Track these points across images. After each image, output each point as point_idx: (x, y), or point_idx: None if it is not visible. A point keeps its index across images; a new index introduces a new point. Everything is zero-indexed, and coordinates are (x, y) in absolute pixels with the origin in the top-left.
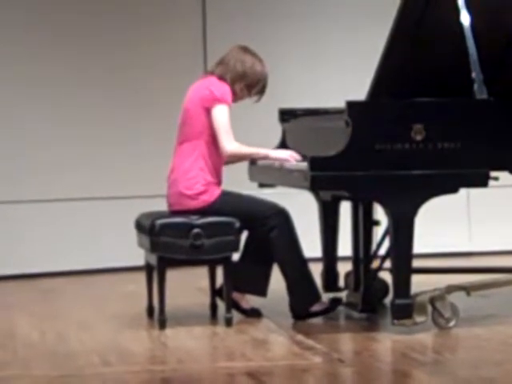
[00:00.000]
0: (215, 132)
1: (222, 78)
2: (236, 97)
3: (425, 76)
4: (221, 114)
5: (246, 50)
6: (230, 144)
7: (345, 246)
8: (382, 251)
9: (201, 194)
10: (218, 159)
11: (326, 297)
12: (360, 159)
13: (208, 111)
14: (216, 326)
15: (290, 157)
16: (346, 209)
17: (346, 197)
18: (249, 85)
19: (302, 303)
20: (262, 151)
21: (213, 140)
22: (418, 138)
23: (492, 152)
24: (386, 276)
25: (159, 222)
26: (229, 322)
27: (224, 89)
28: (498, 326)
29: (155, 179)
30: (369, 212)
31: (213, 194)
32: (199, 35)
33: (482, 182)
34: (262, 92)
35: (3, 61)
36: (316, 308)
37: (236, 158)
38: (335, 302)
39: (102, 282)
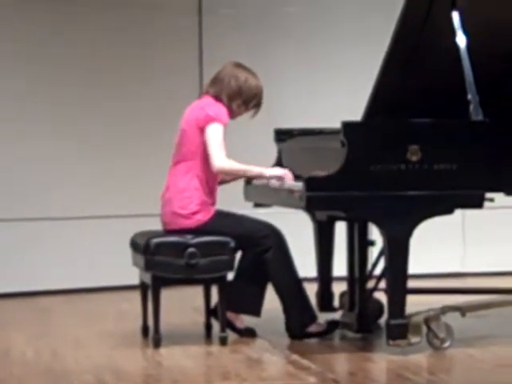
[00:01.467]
0: (207, 148)
1: (217, 97)
2: (234, 114)
3: (421, 97)
4: (213, 132)
5: (238, 65)
6: (219, 159)
7: (340, 266)
8: (377, 271)
9: (195, 213)
10: (213, 179)
11: (321, 317)
12: (355, 180)
13: (203, 131)
14: (211, 345)
15: (284, 175)
16: (341, 229)
17: (342, 217)
18: (245, 100)
19: (299, 324)
20: (256, 169)
21: (207, 160)
22: (414, 158)
23: (488, 173)
24: (381, 296)
25: (154, 241)
26: (223, 342)
27: (219, 109)
28: (493, 347)
29: (150, 198)
30: (364, 232)
31: (207, 214)
32: (195, 54)
33: (478, 203)
34: (258, 106)
35: None
36: (313, 329)
37: (227, 175)
38: (333, 325)
39: (97, 301)
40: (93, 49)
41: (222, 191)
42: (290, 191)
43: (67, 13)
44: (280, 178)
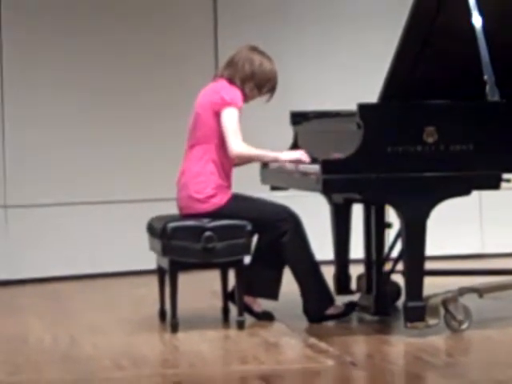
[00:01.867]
0: (223, 134)
1: (231, 80)
2: (247, 97)
3: (437, 78)
4: (229, 117)
5: (253, 49)
6: (237, 145)
7: (357, 248)
8: (395, 254)
9: (211, 197)
10: (228, 162)
11: (338, 300)
12: (372, 162)
13: (218, 115)
14: (228, 329)
15: (299, 158)
16: (358, 211)
17: (358, 199)
18: (258, 84)
19: (317, 307)
20: (272, 154)
21: (222, 143)
22: (430, 140)
23: (504, 154)
24: (399, 278)
25: (171, 225)
26: (241, 326)
27: (234, 92)
28: (511, 328)
29: (166, 182)
30: (381, 215)
31: (223, 198)
32: (210, 37)
33: (494, 184)
34: (272, 90)
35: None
36: (331, 311)
37: (244, 160)
38: (350, 306)
39: (114, 286)
40: (111, 36)
41: (238, 174)
42: (307, 174)
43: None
44: (296, 161)
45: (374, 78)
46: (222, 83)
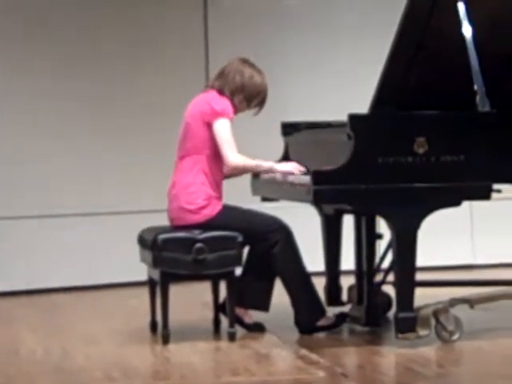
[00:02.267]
0: (218, 145)
1: (221, 91)
2: (236, 109)
3: (427, 88)
4: (222, 128)
5: (244, 61)
6: (233, 156)
7: (348, 259)
8: (385, 265)
9: (202, 208)
10: (219, 173)
11: (329, 311)
12: (363, 172)
13: (208, 126)
14: (219, 340)
15: (294, 169)
16: (348, 222)
17: (349, 210)
18: (248, 97)
19: (308, 318)
20: (267, 164)
21: (213, 154)
22: (421, 151)
23: (495, 164)
24: (390, 289)
25: (162, 236)
26: (232, 337)
27: (224, 103)
28: (502, 339)
29: (157, 194)
30: (372, 225)
31: (214, 209)
32: (201, 47)
33: (485, 194)
34: (261, 104)
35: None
36: (322, 323)
37: (240, 171)
38: (341, 318)
39: (105, 298)
40: (98, 45)
41: (229, 185)
42: (298, 185)
43: (77, 7)
44: (290, 173)
45: (366, 87)
46: (212, 94)
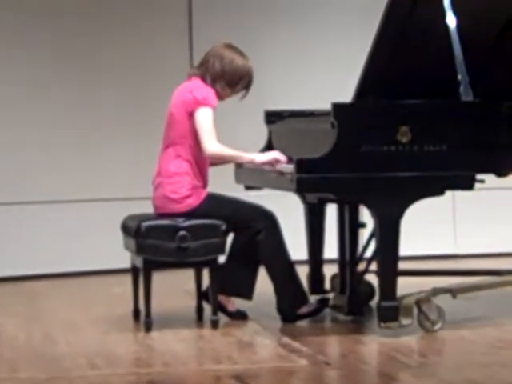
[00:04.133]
0: (197, 133)
1: (203, 78)
2: (220, 96)
3: (411, 77)
4: (203, 116)
5: (227, 46)
6: (211, 145)
7: (331, 248)
8: (368, 254)
9: (186, 197)
10: (204, 162)
11: (312, 299)
12: (346, 161)
13: (191, 115)
14: (202, 328)
15: (275, 159)
16: (332, 211)
17: (332, 199)
18: (229, 82)
19: (290, 306)
20: (247, 155)
21: (197, 143)
22: (404, 139)
23: (478, 154)
24: (372, 278)
25: (145, 224)
26: (215, 325)
27: (207, 91)
28: (484, 329)
29: (141, 181)
30: (355, 214)
31: (198, 198)
32: (185, 35)
33: (468, 184)
34: (247, 88)
35: None
36: (304, 310)
37: (218, 160)
38: (322, 303)
39: (88, 285)
40: (85, 36)
41: (213, 174)
42: (281, 173)
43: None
44: (271, 163)
45: (349, 76)
46: (196, 82)
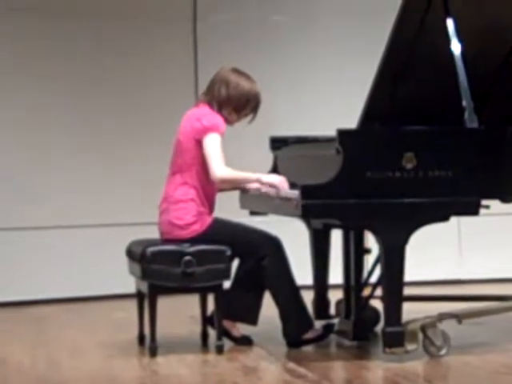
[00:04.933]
0: (206, 159)
1: (210, 105)
2: (227, 121)
3: (416, 104)
4: (211, 142)
5: (231, 70)
6: (220, 169)
7: (336, 273)
8: (373, 279)
9: (191, 224)
10: (211, 188)
11: (317, 324)
12: (351, 187)
13: (199, 142)
14: (207, 353)
15: (280, 183)
16: (337, 237)
17: (337, 225)
18: (236, 108)
19: (296, 331)
20: (253, 175)
21: (204, 170)
22: (409, 166)
23: (483, 180)
24: (377, 304)
25: (150, 249)
26: (220, 350)
27: (214, 118)
28: (490, 354)
29: (147, 207)
30: (360, 240)
31: (204, 224)
32: (190, 62)
33: (473, 210)
34: (254, 111)
35: None
36: (309, 335)
37: (227, 184)
38: (328, 329)
39: (94, 310)
40: (91, 58)
41: (218, 199)
42: (286, 199)
43: (65, 24)
44: (275, 186)
45: (353, 102)
46: (203, 109)
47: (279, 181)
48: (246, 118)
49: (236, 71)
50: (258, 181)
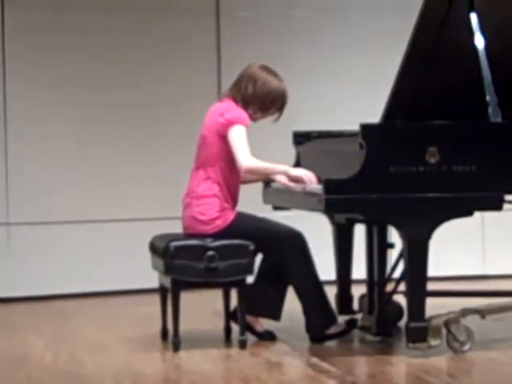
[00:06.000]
0: (231, 150)
1: (235, 100)
2: (251, 118)
3: (439, 99)
4: (236, 134)
5: (260, 67)
6: (246, 159)
7: (359, 268)
8: (397, 274)
9: (214, 219)
10: (234, 183)
11: (340, 319)
12: (374, 182)
13: (223, 137)
14: (230, 348)
15: (307, 177)
16: (360, 231)
17: (361, 219)
18: (261, 106)
19: (319, 326)
20: (281, 167)
21: (228, 165)
22: (433, 160)
23: (506, 175)
24: (401, 299)
25: (173, 244)
26: (243, 345)
27: (238, 112)
28: None
29: (170, 201)
30: (383, 235)
31: (227, 219)
32: (213, 57)
33: (497, 205)
34: (280, 110)
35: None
36: (332, 330)
37: (254, 175)
38: (351, 324)
39: (116, 305)
40: (113, 53)
41: (241, 194)
42: (310, 194)
43: (90, 19)
44: (302, 181)
45: (377, 97)
46: (227, 104)
47: (307, 175)
48: (272, 116)
49: (265, 68)
50: (286, 173)
